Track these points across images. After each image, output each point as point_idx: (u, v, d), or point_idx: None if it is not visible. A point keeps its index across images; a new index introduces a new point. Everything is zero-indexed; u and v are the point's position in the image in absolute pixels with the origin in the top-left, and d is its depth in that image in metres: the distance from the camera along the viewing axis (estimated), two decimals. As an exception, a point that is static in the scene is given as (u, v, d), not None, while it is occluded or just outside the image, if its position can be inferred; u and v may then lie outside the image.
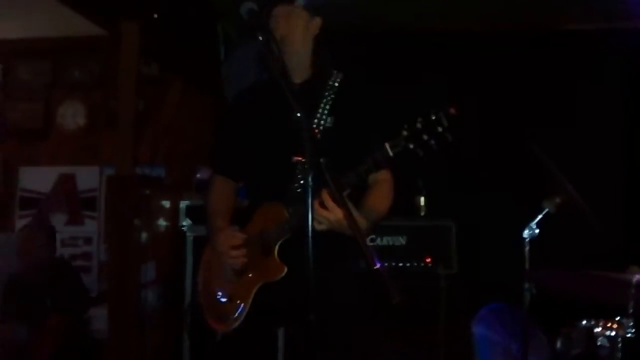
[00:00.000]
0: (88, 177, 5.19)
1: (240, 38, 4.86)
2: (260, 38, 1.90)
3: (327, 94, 2.15)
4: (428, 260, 3.79)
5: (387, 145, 1.77)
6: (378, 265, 1.54)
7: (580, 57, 4.56)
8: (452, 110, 1.74)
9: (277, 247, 2.04)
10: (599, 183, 4.19)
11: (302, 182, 2.01)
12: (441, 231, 3.84)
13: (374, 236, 3.76)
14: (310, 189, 1.66)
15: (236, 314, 2.12)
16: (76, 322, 3.85)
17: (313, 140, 1.74)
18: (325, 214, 1.87)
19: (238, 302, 2.13)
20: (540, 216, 2.49)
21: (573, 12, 4.49)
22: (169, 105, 4.70)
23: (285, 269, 2.02)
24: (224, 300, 2.19)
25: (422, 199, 4.04)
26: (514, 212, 3.00)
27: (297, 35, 2.14)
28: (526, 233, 2.49)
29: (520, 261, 2.53)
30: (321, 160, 1.67)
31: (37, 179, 5.28)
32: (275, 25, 2.10)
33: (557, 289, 2.47)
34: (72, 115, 5.26)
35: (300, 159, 1.91)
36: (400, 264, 3.78)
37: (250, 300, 2.10)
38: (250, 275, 2.12)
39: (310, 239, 1.62)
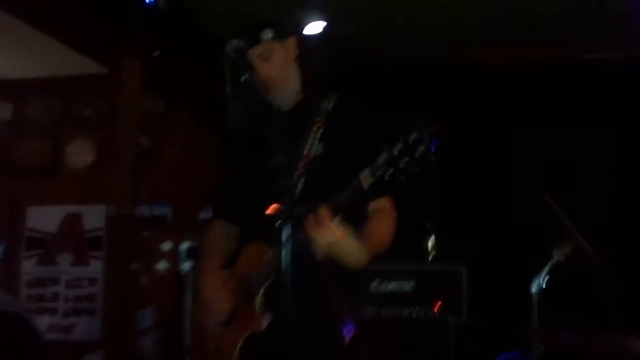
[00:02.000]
0: (94, 216, 5.10)
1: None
2: (247, 78, 1.88)
3: (319, 118, 2.03)
4: (437, 307, 3.61)
5: (365, 172, 1.64)
6: (345, 334, 1.39)
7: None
8: (434, 128, 1.63)
9: (260, 293, 1.90)
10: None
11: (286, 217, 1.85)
12: (451, 276, 3.67)
13: (379, 281, 3.61)
14: (287, 243, 1.56)
15: None
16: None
17: (291, 190, 1.69)
18: (317, 235, 1.71)
19: (224, 356, 1.98)
20: (549, 266, 2.33)
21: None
22: (175, 142, 4.64)
23: (265, 322, 1.88)
24: (212, 352, 2.05)
25: (431, 241, 3.88)
26: (525, 257, 2.84)
27: (277, 71, 2.05)
28: (534, 286, 2.33)
29: (528, 316, 2.36)
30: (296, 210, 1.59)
31: (44, 218, 5.22)
32: (252, 70, 2.01)
33: (566, 349, 2.29)
34: (80, 154, 5.22)
35: (274, 209, 1.74)
36: (407, 311, 3.60)
37: (236, 354, 1.96)
38: (234, 326, 1.99)
39: (287, 293, 1.53)
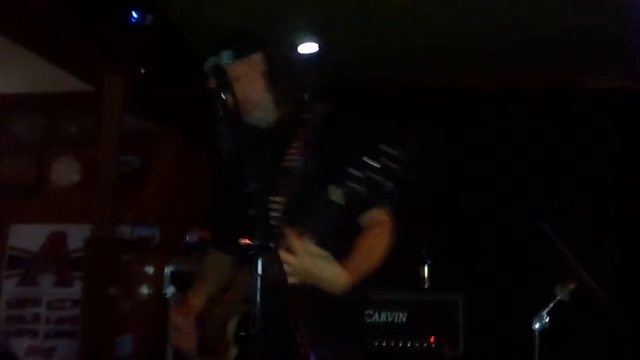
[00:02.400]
0: (79, 236, 4.91)
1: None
2: (224, 97, 1.75)
3: (302, 130, 1.93)
4: (432, 339, 3.43)
5: (335, 188, 1.54)
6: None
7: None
8: (409, 143, 1.54)
9: (233, 321, 1.78)
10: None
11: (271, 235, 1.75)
12: (447, 306, 3.50)
13: (371, 312, 3.44)
14: (258, 277, 1.46)
15: None
16: None
17: (264, 217, 1.58)
18: (291, 259, 1.60)
19: None
20: (552, 305, 2.17)
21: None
22: (164, 161, 4.50)
23: (235, 352, 1.76)
24: None
25: (426, 270, 3.71)
26: (526, 287, 2.70)
27: (246, 90, 1.94)
28: (537, 325, 2.17)
29: (530, 355, 2.20)
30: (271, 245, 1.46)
31: (28, 236, 5.06)
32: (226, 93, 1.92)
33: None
34: (66, 172, 5.08)
35: (247, 242, 1.57)
36: (401, 344, 3.43)
37: None
38: (207, 354, 1.89)
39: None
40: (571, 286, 2.15)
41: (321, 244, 1.63)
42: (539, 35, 3.80)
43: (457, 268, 3.95)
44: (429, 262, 3.73)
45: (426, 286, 3.72)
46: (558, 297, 2.18)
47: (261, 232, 1.51)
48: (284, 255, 1.58)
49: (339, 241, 1.70)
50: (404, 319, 3.50)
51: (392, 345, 3.42)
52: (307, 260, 1.60)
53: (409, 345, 3.45)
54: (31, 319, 4.95)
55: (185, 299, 2.01)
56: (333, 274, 1.67)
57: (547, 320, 2.21)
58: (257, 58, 1.99)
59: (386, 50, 4.12)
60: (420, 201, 4.21)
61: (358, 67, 4.32)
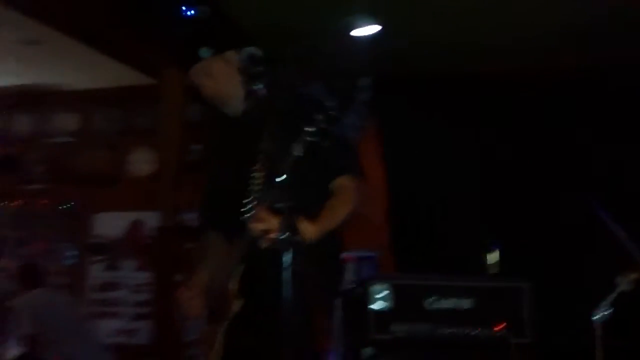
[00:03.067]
0: (155, 224, 5.16)
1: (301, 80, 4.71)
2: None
3: (267, 119, 2.05)
4: (498, 327, 3.32)
5: (294, 146, 1.73)
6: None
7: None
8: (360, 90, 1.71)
9: (233, 280, 1.99)
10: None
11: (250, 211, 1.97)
12: (514, 293, 3.35)
13: (435, 298, 3.37)
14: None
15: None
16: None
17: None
18: (259, 226, 1.84)
19: (213, 349, 2.05)
20: (614, 295, 2.05)
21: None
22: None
23: (239, 304, 1.98)
24: (207, 351, 2.09)
25: (493, 256, 3.59)
26: (592, 275, 2.56)
27: (219, 86, 2.11)
28: (598, 315, 2.06)
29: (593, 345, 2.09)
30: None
31: (109, 224, 5.34)
32: (200, 87, 2.10)
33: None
34: (142, 162, 5.30)
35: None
36: (465, 331, 3.33)
37: (220, 342, 2.03)
38: (216, 319, 2.06)
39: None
40: (633, 276, 2.02)
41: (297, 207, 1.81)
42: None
43: (524, 254, 3.80)
44: (497, 248, 3.60)
45: (494, 273, 3.60)
46: (619, 288, 2.05)
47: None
48: (256, 225, 1.83)
49: (313, 204, 1.96)
50: (469, 306, 3.39)
51: (457, 332, 3.33)
52: (274, 221, 1.80)
53: (474, 332, 3.34)
54: (114, 302, 5.25)
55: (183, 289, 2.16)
56: (302, 227, 1.88)
57: (609, 310, 2.09)
58: (231, 54, 2.12)
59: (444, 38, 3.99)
60: (489, 187, 4.10)
61: (416, 53, 4.19)
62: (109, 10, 3.47)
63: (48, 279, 4.70)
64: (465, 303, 3.39)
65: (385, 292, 3.27)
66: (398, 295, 3.27)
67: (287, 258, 1.69)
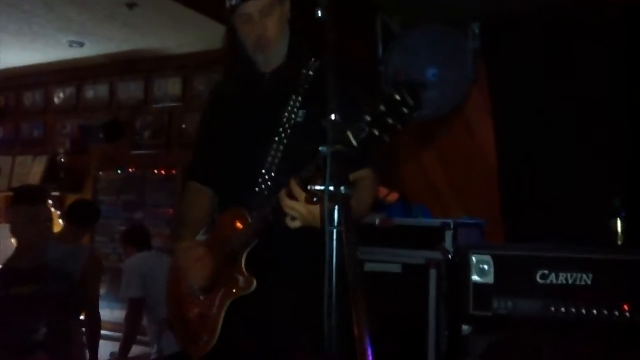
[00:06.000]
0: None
1: (403, 30, 4.36)
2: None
3: (300, 83, 1.97)
4: (625, 306, 2.83)
5: (349, 134, 1.50)
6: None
7: None
8: (420, 86, 1.56)
9: (244, 256, 1.88)
10: None
11: (267, 183, 1.90)
12: (642, 268, 2.86)
13: (546, 271, 2.94)
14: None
15: (208, 335, 1.94)
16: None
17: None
18: (294, 204, 1.70)
19: (209, 321, 1.95)
20: None
21: None
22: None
23: (255, 282, 1.87)
24: (193, 319, 2.02)
25: (619, 224, 3.07)
26: None
27: (275, 29, 1.96)
28: None
29: None
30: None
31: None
32: (248, 23, 1.94)
33: None
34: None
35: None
36: (584, 310, 2.88)
37: (221, 318, 1.92)
38: (218, 290, 1.95)
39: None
40: None
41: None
42: None
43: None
44: (623, 214, 3.08)
45: (619, 243, 3.09)
46: None
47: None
48: (288, 201, 1.69)
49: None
50: (589, 282, 2.92)
51: (573, 311, 2.89)
52: (303, 208, 1.68)
53: (594, 312, 2.88)
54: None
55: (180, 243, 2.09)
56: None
57: None
58: (287, 4, 2.03)
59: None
60: (614, 146, 3.54)
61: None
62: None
63: (152, 242, 4.78)
64: (583, 278, 2.94)
65: (488, 263, 2.92)
66: (502, 267, 2.91)
67: (335, 217, 1.39)
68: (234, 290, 1.90)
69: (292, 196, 1.69)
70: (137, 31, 4.90)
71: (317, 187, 1.55)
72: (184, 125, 5.44)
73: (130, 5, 4.39)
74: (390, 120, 1.49)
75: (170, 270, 2.18)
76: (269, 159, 1.91)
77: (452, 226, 3.35)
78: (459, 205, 4.12)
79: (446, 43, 4.20)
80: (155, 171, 5.53)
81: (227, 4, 1.96)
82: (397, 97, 1.47)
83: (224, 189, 2.07)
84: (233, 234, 1.90)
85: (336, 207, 1.34)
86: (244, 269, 1.89)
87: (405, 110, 1.48)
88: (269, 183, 1.90)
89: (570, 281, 2.93)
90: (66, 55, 5.56)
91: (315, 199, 1.65)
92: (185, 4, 4.14)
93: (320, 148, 1.43)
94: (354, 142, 1.50)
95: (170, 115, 5.55)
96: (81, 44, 5.26)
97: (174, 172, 5.46)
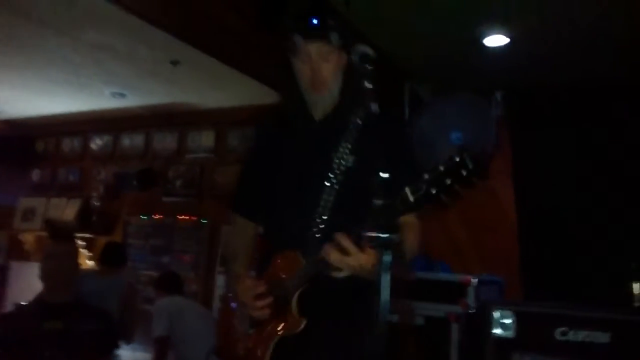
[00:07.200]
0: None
1: (434, 97, 4.61)
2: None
3: (350, 129, 2.01)
4: (641, 367, 2.92)
5: (407, 190, 1.54)
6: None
7: None
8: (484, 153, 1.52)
9: (295, 298, 1.93)
10: None
11: (320, 227, 1.93)
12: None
13: (565, 329, 3.05)
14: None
15: None
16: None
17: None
18: (344, 259, 1.73)
19: (257, 355, 2.00)
20: None
21: None
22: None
23: (304, 323, 1.92)
24: (242, 352, 2.07)
25: (638, 286, 3.19)
26: None
27: (329, 74, 2.04)
28: None
29: None
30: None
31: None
32: (306, 63, 2.02)
33: None
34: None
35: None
36: (602, 369, 2.97)
37: (268, 354, 1.97)
38: (269, 327, 2.00)
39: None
40: None
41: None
42: None
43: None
44: (641, 277, 3.21)
45: (637, 304, 3.20)
46: None
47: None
48: (336, 255, 1.71)
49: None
50: (607, 340, 3.03)
51: (592, 369, 2.98)
52: (362, 257, 1.70)
53: (611, 371, 2.97)
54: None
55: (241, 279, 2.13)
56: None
57: None
58: (344, 53, 2.04)
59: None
60: (633, 207, 3.68)
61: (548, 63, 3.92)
62: (245, 30, 3.58)
63: (183, 288, 4.91)
64: (602, 337, 3.04)
65: (509, 319, 3.03)
66: (523, 323, 3.01)
67: (387, 259, 1.52)
68: (283, 329, 1.95)
69: (341, 249, 1.72)
70: (177, 86, 5.15)
71: (370, 235, 1.57)
72: (216, 177, 5.62)
73: (175, 63, 4.65)
74: (448, 181, 1.48)
75: (222, 303, 2.28)
76: (322, 202, 1.94)
77: (475, 283, 3.50)
78: (478, 263, 4.26)
79: (472, 110, 4.43)
80: (186, 217, 5.70)
81: (290, 42, 2.01)
82: (457, 158, 1.48)
83: (275, 228, 2.11)
84: (287, 278, 1.95)
85: (389, 254, 1.46)
86: (294, 310, 1.93)
87: (464, 172, 1.47)
88: (321, 227, 1.93)
89: (589, 339, 3.03)
90: (107, 105, 5.83)
91: (364, 246, 1.68)
92: (226, 62, 4.39)
93: (375, 201, 1.52)
94: (411, 199, 1.53)
95: (202, 166, 5.75)
96: (123, 95, 5.54)
97: (203, 221, 5.62)
